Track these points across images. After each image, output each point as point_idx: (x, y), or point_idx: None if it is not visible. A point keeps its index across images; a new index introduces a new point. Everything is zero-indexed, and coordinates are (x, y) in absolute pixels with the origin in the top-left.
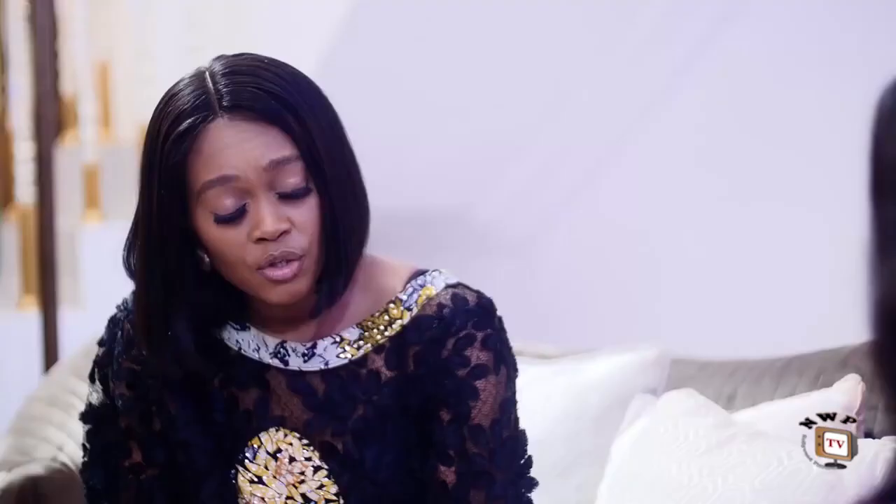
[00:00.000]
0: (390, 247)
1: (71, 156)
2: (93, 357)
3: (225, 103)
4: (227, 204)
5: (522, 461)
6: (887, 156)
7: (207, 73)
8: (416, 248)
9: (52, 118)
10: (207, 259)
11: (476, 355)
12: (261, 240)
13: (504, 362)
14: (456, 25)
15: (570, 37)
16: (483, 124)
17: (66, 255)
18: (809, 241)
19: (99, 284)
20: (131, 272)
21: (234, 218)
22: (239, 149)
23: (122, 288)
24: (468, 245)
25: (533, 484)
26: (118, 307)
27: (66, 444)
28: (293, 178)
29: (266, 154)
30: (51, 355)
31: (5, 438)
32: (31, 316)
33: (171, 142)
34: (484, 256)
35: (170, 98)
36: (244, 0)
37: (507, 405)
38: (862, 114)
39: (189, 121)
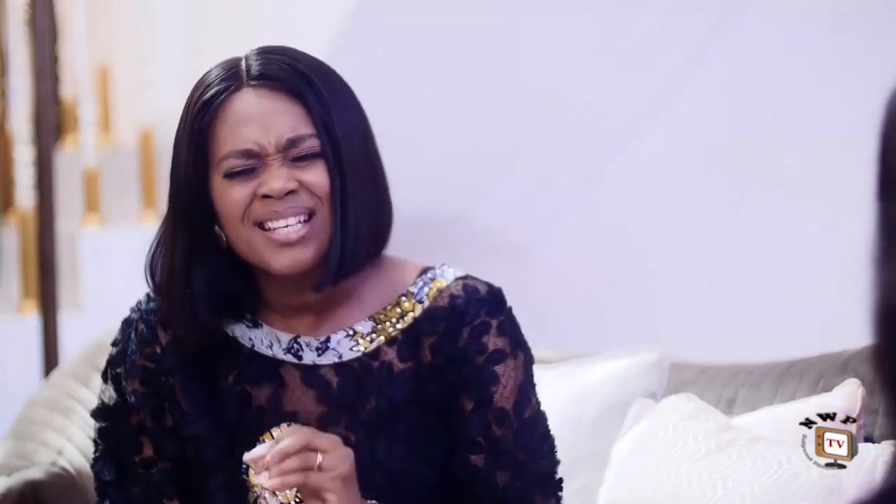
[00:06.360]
0: (391, 250)
1: (71, 159)
2: (92, 360)
3: (253, 73)
4: (239, 163)
5: (544, 439)
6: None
7: (244, 55)
8: (417, 252)
9: (52, 122)
10: (225, 237)
11: (493, 342)
12: (266, 197)
13: (520, 347)
14: (456, 30)
15: (570, 40)
16: (484, 128)
17: (66, 259)
18: (810, 245)
19: (99, 288)
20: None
21: (243, 173)
22: (261, 123)
23: (122, 292)
24: (469, 249)
25: (556, 462)
26: (132, 308)
27: (65, 449)
28: (307, 147)
29: (286, 132)
30: (50, 359)
31: (4, 442)
32: (31, 320)
33: (197, 109)
34: (484, 261)
35: (205, 74)
36: (244, 3)
37: (526, 388)
38: (867, 116)
39: (216, 89)
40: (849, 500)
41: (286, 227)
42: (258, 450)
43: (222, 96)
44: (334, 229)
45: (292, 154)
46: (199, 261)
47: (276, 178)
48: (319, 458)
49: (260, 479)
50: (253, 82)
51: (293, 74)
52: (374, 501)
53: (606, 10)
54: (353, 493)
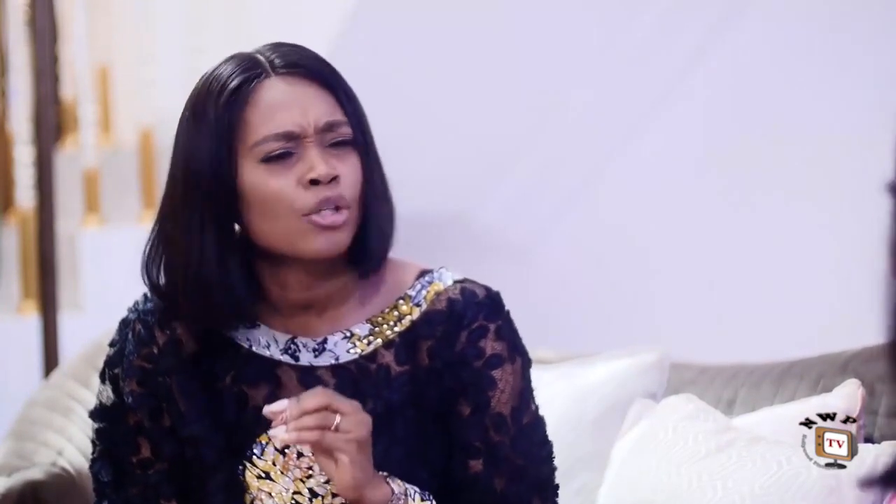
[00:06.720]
0: (391, 251)
1: (71, 160)
2: (92, 360)
3: (278, 63)
4: (278, 145)
5: (543, 445)
6: None
7: (255, 49)
8: (416, 253)
9: (52, 122)
10: (237, 227)
11: (490, 346)
12: (313, 183)
13: (517, 351)
14: (456, 30)
15: (570, 40)
16: (484, 128)
17: (66, 260)
18: (810, 245)
19: (99, 288)
20: (158, 258)
21: (281, 157)
22: (298, 107)
23: (122, 292)
24: (469, 249)
25: (554, 468)
26: (129, 309)
27: (65, 449)
28: (342, 134)
29: (323, 116)
30: (50, 359)
31: (4, 442)
32: (31, 320)
33: (224, 98)
34: (484, 261)
35: (215, 69)
36: (244, 3)
37: (524, 393)
38: (867, 116)
39: (242, 78)
40: (848, 500)
41: (330, 211)
42: (279, 404)
43: (252, 84)
44: (366, 219)
45: (329, 139)
46: (230, 249)
47: (321, 163)
48: (337, 419)
49: (277, 432)
50: (282, 70)
51: (320, 65)
52: (385, 473)
53: (606, 10)
54: (366, 458)
